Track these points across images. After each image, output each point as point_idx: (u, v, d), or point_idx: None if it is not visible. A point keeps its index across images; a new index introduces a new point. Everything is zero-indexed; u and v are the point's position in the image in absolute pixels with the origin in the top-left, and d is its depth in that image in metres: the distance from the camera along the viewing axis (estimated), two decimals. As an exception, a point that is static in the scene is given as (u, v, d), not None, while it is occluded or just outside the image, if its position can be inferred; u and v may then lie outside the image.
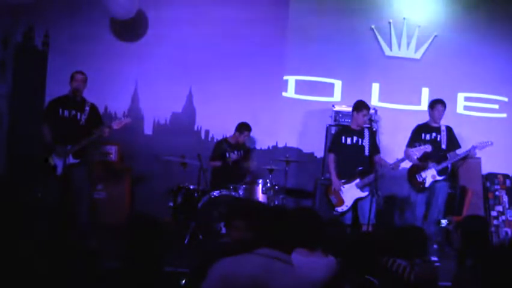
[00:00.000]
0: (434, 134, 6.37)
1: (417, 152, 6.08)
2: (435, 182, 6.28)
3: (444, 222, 6.53)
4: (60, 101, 5.78)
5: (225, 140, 6.97)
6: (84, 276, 2.46)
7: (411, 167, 6.41)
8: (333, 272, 3.25)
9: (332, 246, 3.38)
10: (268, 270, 2.35)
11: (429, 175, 6.26)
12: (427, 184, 6.26)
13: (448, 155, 6.37)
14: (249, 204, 3.32)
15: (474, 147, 6.27)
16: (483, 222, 3.90)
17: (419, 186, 6.29)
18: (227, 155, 6.77)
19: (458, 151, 6.41)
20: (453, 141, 6.42)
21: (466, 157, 6.38)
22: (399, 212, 7.10)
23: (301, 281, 2.46)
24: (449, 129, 6.45)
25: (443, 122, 6.50)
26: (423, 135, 6.40)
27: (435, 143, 6.29)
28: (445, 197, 6.43)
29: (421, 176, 6.27)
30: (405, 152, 6.33)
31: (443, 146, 6.36)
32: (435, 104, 6.41)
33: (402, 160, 6.16)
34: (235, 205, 3.17)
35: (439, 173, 6.28)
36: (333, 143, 6.45)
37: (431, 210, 6.31)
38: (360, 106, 6.26)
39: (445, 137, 6.37)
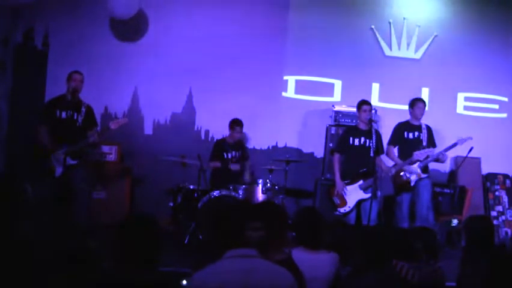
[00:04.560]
0: (416, 133, 6.42)
1: (421, 155, 6.13)
2: (419, 180, 6.29)
3: (455, 222, 6.54)
4: (57, 102, 5.79)
5: (223, 140, 6.97)
6: (83, 276, 2.45)
7: (394, 166, 6.40)
8: (336, 268, 3.32)
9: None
10: (248, 271, 2.39)
11: (414, 173, 6.27)
12: (412, 182, 6.27)
13: (428, 154, 6.36)
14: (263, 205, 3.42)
15: (451, 146, 6.30)
16: (488, 223, 3.89)
17: (406, 185, 6.29)
18: (224, 155, 6.78)
19: (436, 151, 6.42)
20: (431, 140, 6.45)
21: (437, 159, 6.38)
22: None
23: (279, 277, 2.49)
24: (428, 128, 6.50)
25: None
26: (405, 133, 6.44)
27: (417, 141, 6.34)
28: (431, 194, 6.42)
29: (406, 174, 6.27)
30: (387, 150, 6.43)
31: (424, 145, 6.38)
32: (417, 102, 6.46)
33: (410, 162, 6.19)
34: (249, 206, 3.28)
35: (423, 171, 6.29)
36: (340, 143, 6.45)
37: (418, 208, 6.30)
38: (360, 103, 6.36)
39: (426, 135, 6.40)
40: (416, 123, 6.46)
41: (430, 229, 4.31)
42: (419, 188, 6.29)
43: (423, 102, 6.51)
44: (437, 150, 6.37)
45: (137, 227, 2.45)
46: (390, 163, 6.49)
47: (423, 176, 6.29)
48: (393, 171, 6.26)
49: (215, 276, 2.37)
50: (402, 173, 6.27)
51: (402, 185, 6.31)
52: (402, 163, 6.27)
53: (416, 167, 6.24)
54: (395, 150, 6.49)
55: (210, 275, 2.39)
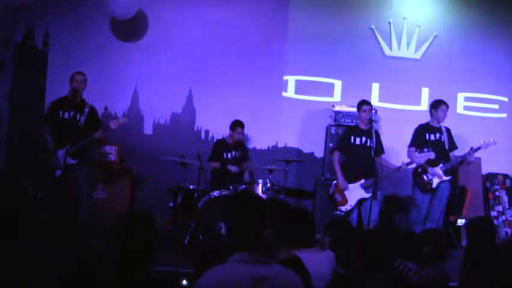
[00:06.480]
0: (438, 135, 6.41)
1: (421, 158, 6.12)
2: (441, 182, 6.29)
3: (460, 222, 6.55)
4: (60, 103, 5.83)
5: (223, 141, 6.97)
6: (83, 275, 2.45)
7: (417, 167, 6.40)
8: (333, 267, 3.33)
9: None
10: (261, 278, 2.25)
11: (436, 175, 6.27)
12: (434, 185, 6.27)
13: (450, 156, 6.39)
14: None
15: (476, 149, 6.30)
16: (490, 224, 3.90)
17: (426, 187, 6.29)
18: (224, 155, 6.77)
19: (456, 152, 6.44)
20: (452, 142, 6.45)
21: (463, 160, 6.40)
22: (401, 212, 7.09)
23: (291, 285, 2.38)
24: (448, 130, 6.50)
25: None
26: (427, 135, 6.41)
27: (439, 143, 6.34)
28: (448, 197, 6.46)
29: (428, 176, 6.27)
30: (409, 152, 6.38)
31: (446, 147, 6.39)
32: (440, 104, 6.43)
33: (409, 163, 6.19)
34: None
35: (445, 173, 6.30)
36: (341, 141, 6.46)
37: (434, 209, 6.32)
38: (360, 103, 6.39)
39: (446, 137, 6.40)
40: (436, 125, 6.45)
41: (439, 230, 4.32)
42: (439, 190, 6.32)
43: (447, 105, 6.46)
44: (457, 152, 6.42)
45: (132, 225, 2.41)
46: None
47: (445, 178, 6.30)
48: (404, 167, 6.23)
49: (223, 282, 2.22)
50: (424, 175, 6.27)
51: (422, 186, 6.31)
52: (403, 164, 6.22)
53: (438, 169, 6.25)
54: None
55: (217, 279, 2.23)
